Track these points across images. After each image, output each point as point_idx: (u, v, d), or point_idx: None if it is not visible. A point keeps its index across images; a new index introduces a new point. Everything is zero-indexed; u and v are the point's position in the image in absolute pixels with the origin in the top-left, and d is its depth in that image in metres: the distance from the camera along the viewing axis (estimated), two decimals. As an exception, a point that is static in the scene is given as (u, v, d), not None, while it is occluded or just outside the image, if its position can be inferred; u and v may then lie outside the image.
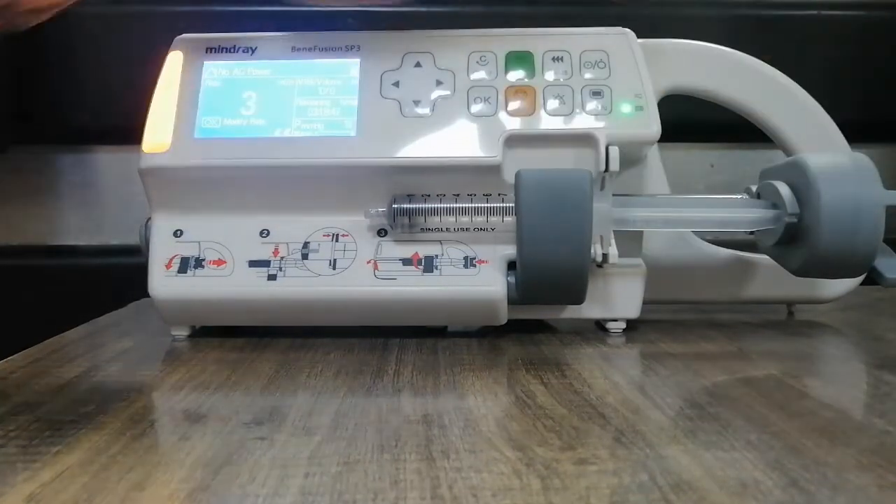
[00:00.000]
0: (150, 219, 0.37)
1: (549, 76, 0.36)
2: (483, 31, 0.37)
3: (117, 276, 0.61)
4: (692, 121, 0.50)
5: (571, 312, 0.37)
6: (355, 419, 0.24)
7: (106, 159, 0.64)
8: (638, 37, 0.37)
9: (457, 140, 0.35)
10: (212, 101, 0.36)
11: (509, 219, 0.35)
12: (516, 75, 0.36)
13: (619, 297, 0.37)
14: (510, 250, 0.35)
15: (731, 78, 0.39)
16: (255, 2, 0.60)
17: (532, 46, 0.37)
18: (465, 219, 0.35)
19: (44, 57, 0.60)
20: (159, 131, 0.36)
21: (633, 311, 0.37)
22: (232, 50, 0.37)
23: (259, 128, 0.36)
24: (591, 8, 0.61)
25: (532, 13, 0.60)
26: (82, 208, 0.64)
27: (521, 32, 0.37)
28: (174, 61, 0.37)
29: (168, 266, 0.35)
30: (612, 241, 0.34)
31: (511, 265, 0.35)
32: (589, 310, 0.36)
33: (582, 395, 0.26)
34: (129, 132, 0.60)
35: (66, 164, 0.64)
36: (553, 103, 0.35)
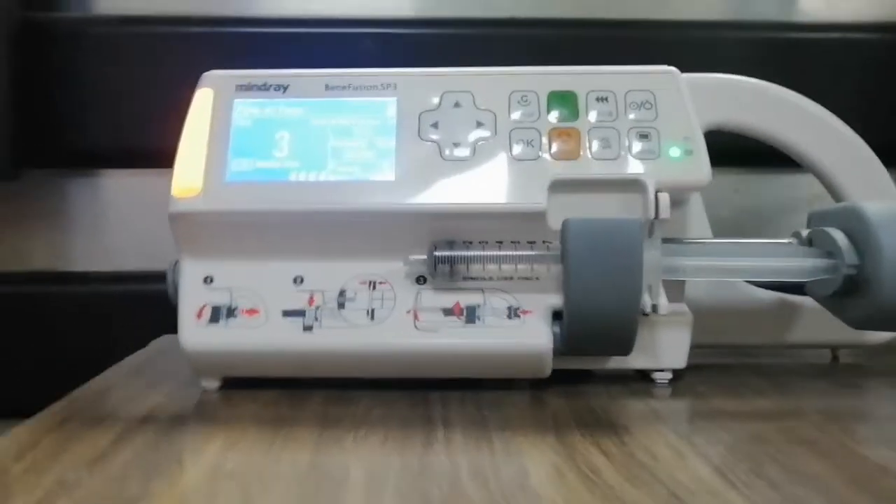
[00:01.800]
0: (177, 262, 0.36)
1: (594, 117, 0.35)
2: (524, 68, 0.36)
3: (129, 304, 0.60)
4: (714, 144, 0.48)
5: (617, 363, 0.35)
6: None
7: (117, 184, 0.62)
8: (663, 63, 0.36)
9: (499, 185, 0.34)
10: (243, 142, 0.35)
11: (555, 267, 0.33)
12: (559, 116, 0.35)
13: (665, 346, 0.35)
14: (555, 299, 0.34)
15: (775, 115, 0.38)
16: (270, 24, 0.59)
17: (575, 86, 0.35)
18: (508, 267, 0.34)
19: (54, 79, 0.59)
20: (189, 174, 0.34)
21: (680, 361, 0.35)
22: (263, 88, 0.36)
23: (292, 170, 0.34)
24: (609, 30, 0.60)
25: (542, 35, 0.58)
26: (92, 234, 0.62)
27: (563, 71, 0.36)
28: (203, 99, 0.36)
29: (199, 315, 0.34)
30: (662, 291, 0.33)
31: (556, 315, 0.34)
32: (635, 360, 0.35)
33: (649, 471, 0.25)
34: (141, 156, 0.59)
35: (76, 189, 0.62)
36: (599, 146, 0.34)
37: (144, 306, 0.59)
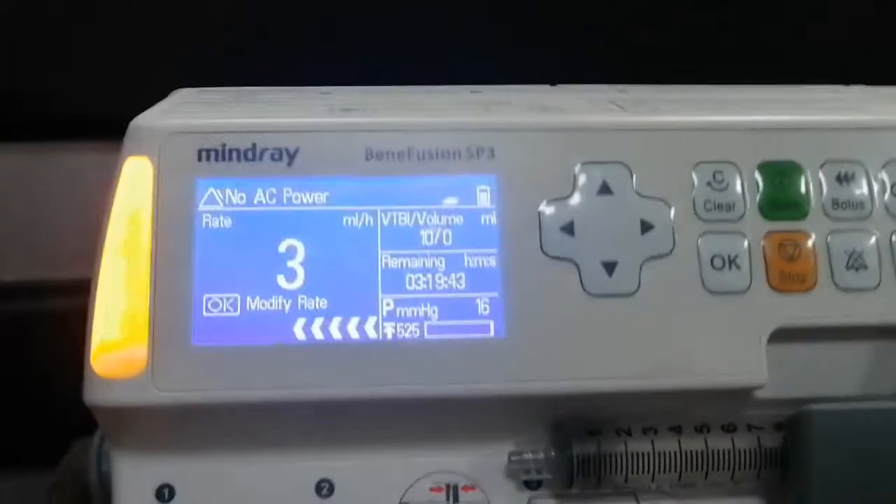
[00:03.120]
0: (102, 438, 0.21)
1: (833, 211, 0.20)
2: (705, 114, 0.21)
3: (19, 328, 0.43)
4: None
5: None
6: None
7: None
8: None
9: (684, 344, 0.19)
10: (218, 262, 0.19)
11: (769, 470, 0.20)
12: (777, 208, 0.20)
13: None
14: (751, 506, 0.21)
15: None
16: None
17: (798, 152, 0.20)
18: (695, 474, 0.20)
19: None
20: (122, 330, 0.19)
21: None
22: (250, 156, 0.19)
23: (316, 316, 0.19)
24: None
25: None
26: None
27: (774, 123, 0.21)
28: (134, 180, 0.19)
29: (154, 566, 0.19)
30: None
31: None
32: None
33: None
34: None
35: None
36: (844, 265, 0.20)
37: (44, 328, 0.43)
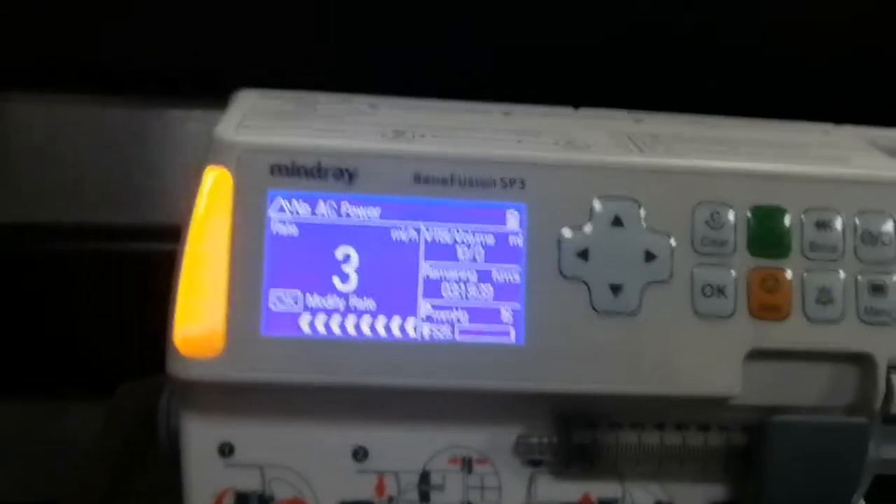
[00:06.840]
0: (170, 398, 0.24)
1: (811, 253, 0.24)
2: (709, 158, 0.24)
3: (49, 269, 0.46)
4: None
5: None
6: None
7: (21, 109, 0.46)
8: None
9: (673, 356, 0.23)
10: (284, 263, 0.22)
11: (735, 465, 0.24)
12: (762, 248, 0.23)
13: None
14: (718, 492, 0.25)
15: None
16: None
17: (784, 198, 0.24)
18: (672, 464, 0.24)
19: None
20: (201, 317, 0.22)
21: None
22: (316, 174, 0.22)
23: (365, 314, 0.22)
24: None
25: None
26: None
27: (767, 172, 0.24)
28: (218, 189, 0.22)
29: (217, 508, 0.23)
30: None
31: (717, 511, 0.25)
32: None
33: None
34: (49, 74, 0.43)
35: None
36: (815, 301, 0.23)
37: (67, 270, 0.46)
